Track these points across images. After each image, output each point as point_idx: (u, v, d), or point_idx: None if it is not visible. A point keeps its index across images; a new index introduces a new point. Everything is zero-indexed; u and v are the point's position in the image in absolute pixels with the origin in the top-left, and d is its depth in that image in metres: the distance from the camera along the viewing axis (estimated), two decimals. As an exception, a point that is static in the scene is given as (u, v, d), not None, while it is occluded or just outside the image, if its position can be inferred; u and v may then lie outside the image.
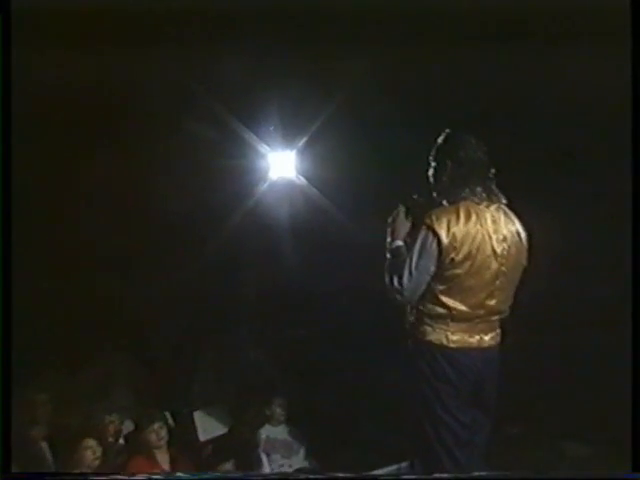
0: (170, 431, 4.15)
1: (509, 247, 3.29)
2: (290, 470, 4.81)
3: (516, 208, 3.39)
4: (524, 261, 3.37)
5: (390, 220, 3.37)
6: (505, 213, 3.34)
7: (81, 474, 3.82)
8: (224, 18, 4.25)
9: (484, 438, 3.38)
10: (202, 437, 4.08)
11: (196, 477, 3.38)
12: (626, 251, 3.40)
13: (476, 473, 3.21)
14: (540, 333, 4.47)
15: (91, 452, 4.87)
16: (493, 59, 4.38)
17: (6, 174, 3.02)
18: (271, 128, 5.31)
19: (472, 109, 4.50)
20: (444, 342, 3.25)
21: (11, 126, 3.10)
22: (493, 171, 3.34)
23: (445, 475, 3.16)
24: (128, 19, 4.00)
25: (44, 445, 5.15)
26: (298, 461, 4.82)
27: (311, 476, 3.58)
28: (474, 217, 3.23)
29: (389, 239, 3.35)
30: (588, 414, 4.31)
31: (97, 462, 4.87)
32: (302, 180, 5.03)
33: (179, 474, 4.48)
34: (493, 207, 3.30)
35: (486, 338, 3.31)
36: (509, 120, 4.64)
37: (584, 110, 4.36)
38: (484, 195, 3.29)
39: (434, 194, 3.35)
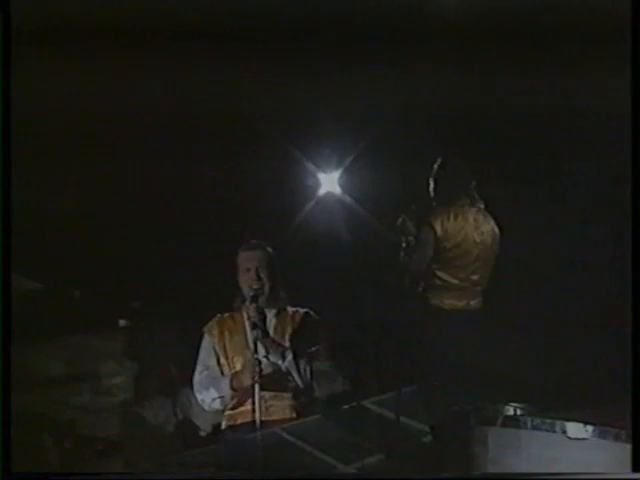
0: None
1: (485, 239, 4.57)
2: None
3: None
4: (496, 249, 4.61)
5: (399, 224, 4.64)
6: (483, 214, 4.61)
7: (82, 474, 4.04)
8: (260, 36, 4.36)
9: None
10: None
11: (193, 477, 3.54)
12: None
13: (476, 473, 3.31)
14: (540, 329, 4.77)
15: None
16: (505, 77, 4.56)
17: (6, 174, 2.90)
18: (327, 150, 5.44)
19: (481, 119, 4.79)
20: (440, 305, 4.54)
21: (11, 128, 2.97)
22: (474, 183, 4.61)
23: (445, 475, 3.40)
24: (135, 22, 3.95)
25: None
26: (336, 388, 5.17)
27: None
28: (460, 217, 4.54)
29: (403, 237, 4.62)
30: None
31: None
32: (348, 198, 5.12)
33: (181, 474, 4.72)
34: (474, 209, 4.59)
35: (472, 303, 4.58)
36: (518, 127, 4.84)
37: (583, 114, 4.60)
38: (468, 201, 4.59)
39: (434, 203, 4.62)
